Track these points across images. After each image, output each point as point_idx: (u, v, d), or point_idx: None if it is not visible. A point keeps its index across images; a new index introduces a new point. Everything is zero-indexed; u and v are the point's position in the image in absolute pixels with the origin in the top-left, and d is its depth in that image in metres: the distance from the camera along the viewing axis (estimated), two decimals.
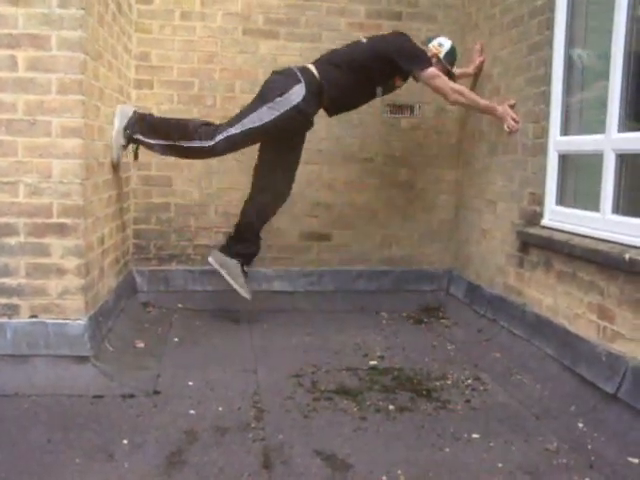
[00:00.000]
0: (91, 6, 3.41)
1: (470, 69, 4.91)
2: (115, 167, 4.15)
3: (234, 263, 4.47)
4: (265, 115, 4.07)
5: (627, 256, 2.97)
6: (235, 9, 5.00)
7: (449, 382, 3.56)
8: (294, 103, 4.09)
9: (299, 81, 4.12)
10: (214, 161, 4.97)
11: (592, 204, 3.48)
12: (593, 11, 3.78)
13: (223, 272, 4.44)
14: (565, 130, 3.87)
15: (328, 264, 5.25)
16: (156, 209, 5.00)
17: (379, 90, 4.44)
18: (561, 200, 3.89)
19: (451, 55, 4.55)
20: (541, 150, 3.97)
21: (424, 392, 3.38)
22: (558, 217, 3.83)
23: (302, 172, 5.05)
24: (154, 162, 4.93)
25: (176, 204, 5.02)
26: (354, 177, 5.25)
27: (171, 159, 4.87)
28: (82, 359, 3.29)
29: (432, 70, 4.32)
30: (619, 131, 3.28)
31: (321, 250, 5.24)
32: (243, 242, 4.52)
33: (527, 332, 3.91)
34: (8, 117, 3.19)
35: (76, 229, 3.29)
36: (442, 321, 4.81)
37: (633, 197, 3.27)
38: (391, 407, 3.18)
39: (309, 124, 4.35)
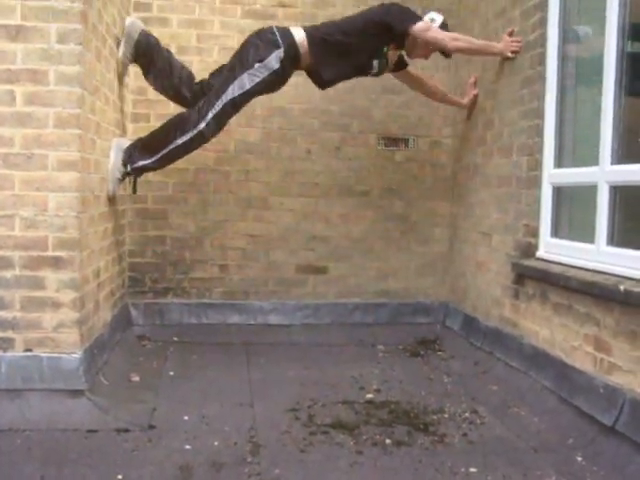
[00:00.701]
0: (89, 41, 3.44)
1: (464, 101, 4.96)
2: (111, 200, 4.16)
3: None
4: (246, 82, 4.06)
5: (622, 287, 2.98)
6: (231, 44, 5.02)
7: (446, 415, 3.53)
8: (274, 68, 4.08)
9: (278, 46, 4.09)
10: (210, 194, 5.01)
11: (587, 236, 3.49)
12: (584, 46, 3.83)
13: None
14: (559, 162, 3.90)
15: (324, 297, 5.25)
16: (152, 242, 5.00)
17: (375, 63, 4.37)
18: (556, 232, 3.91)
19: (445, 26, 4.47)
20: (535, 182, 3.99)
21: (421, 426, 3.35)
22: (553, 249, 3.84)
23: (298, 205, 5.12)
24: (150, 196, 4.95)
25: (172, 237, 5.03)
26: (350, 210, 5.27)
27: (167, 192, 4.92)
28: (77, 393, 3.26)
29: (424, 23, 4.25)
30: (612, 163, 3.31)
31: (317, 283, 5.24)
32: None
33: (524, 364, 3.90)
34: (5, 151, 3.20)
35: (72, 262, 3.29)
36: (439, 354, 4.79)
37: (627, 229, 3.29)
38: (388, 441, 3.15)
39: (284, 83, 4.34)
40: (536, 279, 3.86)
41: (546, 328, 3.74)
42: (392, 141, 5.35)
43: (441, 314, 5.34)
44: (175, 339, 4.84)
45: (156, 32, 4.88)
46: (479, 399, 3.79)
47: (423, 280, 5.38)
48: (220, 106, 4.06)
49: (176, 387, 3.87)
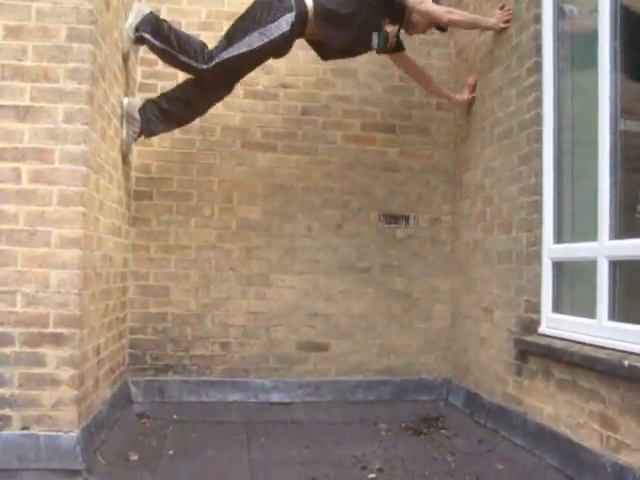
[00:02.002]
0: (94, 121, 3.52)
1: (456, 97, 5.10)
2: (125, 58, 4.33)
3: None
4: (255, 41, 4.16)
5: (626, 363, 2.95)
6: (234, 123, 5.17)
7: None
8: (283, 30, 4.19)
9: (291, 10, 4.21)
10: (212, 271, 5.03)
11: (588, 311, 3.49)
12: (579, 123, 3.91)
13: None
14: (558, 238, 3.93)
15: (326, 374, 5.20)
16: (153, 319, 4.99)
17: (374, 37, 4.47)
18: (557, 307, 3.90)
19: (436, 1, 4.57)
20: (535, 258, 4.01)
21: None
22: (555, 324, 3.83)
23: (299, 282, 5.13)
24: (152, 273, 4.97)
25: (173, 314, 5.02)
26: (351, 287, 5.27)
27: (169, 269, 4.94)
28: (73, 473, 3.20)
29: None
30: (611, 238, 3.33)
31: (319, 360, 5.20)
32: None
33: (529, 442, 3.84)
34: (9, 227, 3.24)
35: (72, 339, 3.28)
36: (442, 432, 4.71)
37: (628, 303, 3.29)
38: None
39: (288, 49, 4.45)
40: (539, 355, 3.84)
41: (550, 405, 3.69)
42: (393, 218, 5.39)
43: (444, 391, 5.28)
44: (175, 417, 4.77)
45: None
46: (484, 479, 3.71)
47: (425, 356, 5.34)
48: (225, 57, 4.20)
49: (175, 467, 3.80)
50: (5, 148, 3.26)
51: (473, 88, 5.00)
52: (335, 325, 5.23)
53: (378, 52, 4.65)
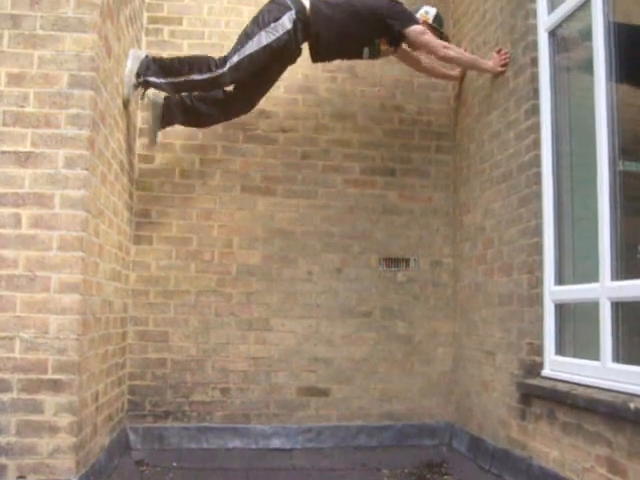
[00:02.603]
0: (95, 167, 3.53)
1: (454, 72, 5.24)
2: (125, 104, 4.37)
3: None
4: (263, 38, 4.33)
5: (632, 405, 2.91)
6: (234, 168, 5.19)
7: None
8: (287, 28, 4.36)
9: (290, 8, 4.39)
10: (212, 316, 5.00)
11: (592, 353, 3.46)
12: (577, 164, 3.92)
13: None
14: (559, 279, 3.91)
15: (327, 420, 5.13)
16: (152, 365, 4.94)
17: (366, 51, 4.63)
18: (560, 349, 3.87)
19: (438, 19, 4.78)
20: (537, 300, 3.99)
21: None
22: (558, 367, 3.79)
23: (300, 327, 5.10)
24: (151, 318, 4.95)
25: (172, 359, 4.97)
26: (352, 331, 5.24)
27: (169, 315, 4.92)
28: None
29: (420, 27, 4.56)
30: (612, 279, 3.31)
31: (320, 406, 5.14)
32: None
33: None
34: (9, 273, 3.23)
35: (71, 385, 3.24)
36: (445, 477, 4.64)
37: (632, 345, 3.26)
38: None
39: (298, 51, 4.58)
40: (542, 398, 3.79)
41: (556, 449, 3.63)
42: (393, 261, 5.38)
43: (447, 435, 5.21)
44: (175, 464, 4.70)
45: (160, 156, 5.06)
46: None
47: (428, 401, 5.28)
48: (237, 60, 4.33)
49: None
50: (5, 193, 3.28)
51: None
52: (336, 370, 5.18)
53: (371, 59, 4.83)
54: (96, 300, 3.68)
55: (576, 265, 3.89)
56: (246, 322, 5.09)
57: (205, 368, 5.01)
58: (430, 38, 4.57)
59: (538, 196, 4.02)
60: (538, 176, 4.03)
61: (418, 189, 5.43)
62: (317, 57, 4.69)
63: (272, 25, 4.35)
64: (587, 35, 3.55)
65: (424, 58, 5.09)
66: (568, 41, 4.07)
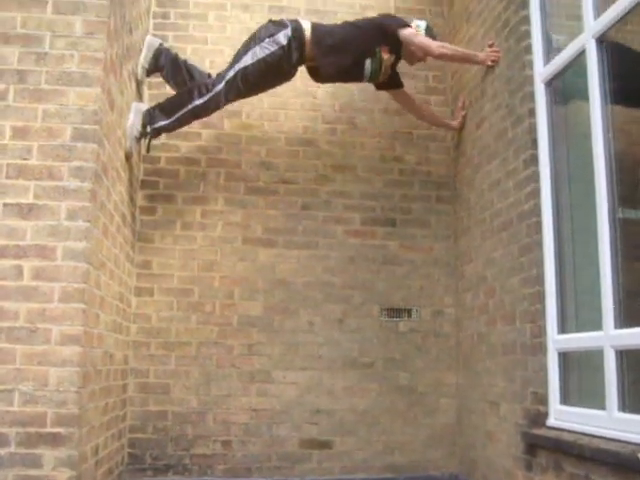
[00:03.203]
0: (97, 218, 3.55)
1: (454, 123, 5.30)
2: (128, 157, 4.45)
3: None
4: (258, 52, 4.50)
5: None
6: (235, 219, 5.21)
7: None
8: (282, 44, 4.51)
9: (286, 26, 4.57)
10: (213, 368, 4.97)
11: (597, 402, 3.41)
12: (577, 212, 3.94)
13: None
14: (563, 328, 3.88)
15: (330, 473, 5.05)
16: (153, 417, 4.88)
17: (367, 63, 4.74)
18: (565, 399, 3.82)
19: (430, 30, 4.84)
20: (540, 349, 3.96)
21: None
22: (564, 416, 3.74)
23: (301, 379, 5.07)
24: (152, 370, 4.91)
25: (173, 412, 4.92)
26: (354, 382, 5.19)
27: (170, 366, 4.89)
28: None
29: (413, 29, 4.71)
30: (616, 327, 3.29)
31: (322, 458, 5.06)
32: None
33: None
34: (9, 325, 3.22)
35: (70, 439, 3.20)
36: None
37: (638, 394, 3.22)
38: None
39: (292, 70, 4.72)
40: (548, 449, 3.73)
41: None
42: (395, 312, 5.36)
43: None
44: None
45: (162, 208, 5.10)
46: None
47: (432, 452, 5.21)
48: (232, 74, 4.50)
49: None
50: (7, 245, 3.29)
51: (462, 107, 5.25)
52: (338, 422, 5.12)
53: (370, 81, 4.94)
54: (97, 352, 3.66)
55: (579, 313, 3.88)
56: (247, 374, 5.05)
57: (206, 420, 4.96)
58: (424, 39, 4.72)
59: (539, 245, 4.02)
60: (538, 225, 4.04)
61: (419, 239, 5.44)
62: (319, 77, 4.89)
63: (267, 40, 4.53)
64: (583, 86, 3.60)
65: (420, 104, 5.31)
66: (565, 91, 4.12)
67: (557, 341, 3.88)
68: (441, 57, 4.92)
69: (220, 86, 4.49)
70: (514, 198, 4.32)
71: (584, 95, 3.61)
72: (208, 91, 4.48)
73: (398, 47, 4.76)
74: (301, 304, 5.23)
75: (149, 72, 4.86)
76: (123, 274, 4.46)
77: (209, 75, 4.75)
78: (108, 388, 4.02)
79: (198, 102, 4.49)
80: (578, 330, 3.78)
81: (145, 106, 4.61)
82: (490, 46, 4.70)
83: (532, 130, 4.14)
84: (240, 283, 5.16)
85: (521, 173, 4.22)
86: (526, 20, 4.29)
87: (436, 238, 5.46)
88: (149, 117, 4.49)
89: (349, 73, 4.84)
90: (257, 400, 5.04)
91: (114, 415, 4.25)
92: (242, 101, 4.98)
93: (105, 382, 3.93)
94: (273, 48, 4.50)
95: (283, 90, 5.20)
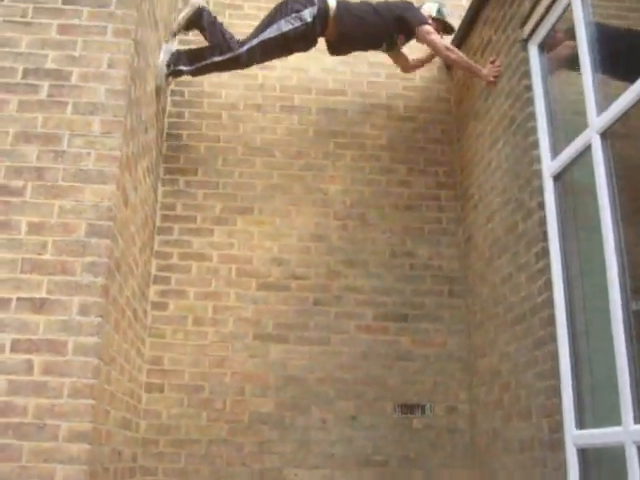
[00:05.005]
0: (109, 314, 3.55)
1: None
2: (158, 91, 4.89)
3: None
4: (283, 26, 4.88)
5: None
6: (246, 315, 5.20)
7: None
8: (307, 21, 4.91)
9: (313, 4, 4.95)
10: (223, 466, 4.87)
11: None
12: (591, 304, 3.91)
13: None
14: (581, 422, 3.79)
15: None
16: None
17: (384, 45, 5.32)
18: None
19: (440, 11, 5.36)
20: (559, 445, 3.85)
21: None
22: None
23: (313, 477, 4.96)
24: (161, 468, 4.80)
25: None
26: None
27: (179, 465, 4.85)
28: None
29: (429, 27, 5.13)
30: (636, 422, 3.21)
31: None
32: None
33: None
34: (17, 421, 3.17)
35: None
36: None
37: None
38: None
39: (313, 42, 5.16)
40: None
41: None
42: (408, 408, 5.26)
43: None
44: None
45: (173, 304, 5.11)
46: None
47: None
48: (256, 42, 4.89)
49: None
50: (19, 340, 3.28)
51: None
52: None
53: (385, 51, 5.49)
54: (105, 449, 3.59)
55: (597, 408, 3.79)
56: (258, 473, 4.92)
57: None
58: (436, 38, 5.12)
59: (553, 338, 3.98)
60: (551, 318, 4.01)
61: (432, 334, 5.39)
62: (336, 51, 5.34)
63: (293, 15, 4.90)
64: (591, 178, 3.65)
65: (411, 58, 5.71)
66: (573, 184, 4.17)
67: (575, 437, 3.78)
68: (447, 59, 5.31)
69: (241, 50, 4.87)
70: (526, 291, 4.31)
71: (593, 188, 3.65)
72: (229, 51, 4.86)
73: (412, 35, 5.25)
74: (313, 401, 5.14)
75: (188, 27, 5.11)
76: (133, 369, 4.43)
77: (238, 42, 4.97)
78: None
79: (217, 59, 4.89)
80: (596, 424, 3.69)
81: (174, 48, 5.01)
82: (492, 62, 4.94)
83: (542, 223, 4.17)
84: (251, 379, 5.10)
85: (533, 266, 4.23)
86: (532, 116, 4.39)
87: (449, 333, 5.41)
88: (175, 58, 4.90)
89: (366, 48, 5.42)
90: None
91: None
92: (253, 195, 5.09)
93: None
94: (297, 24, 4.90)
95: (295, 187, 5.29)
